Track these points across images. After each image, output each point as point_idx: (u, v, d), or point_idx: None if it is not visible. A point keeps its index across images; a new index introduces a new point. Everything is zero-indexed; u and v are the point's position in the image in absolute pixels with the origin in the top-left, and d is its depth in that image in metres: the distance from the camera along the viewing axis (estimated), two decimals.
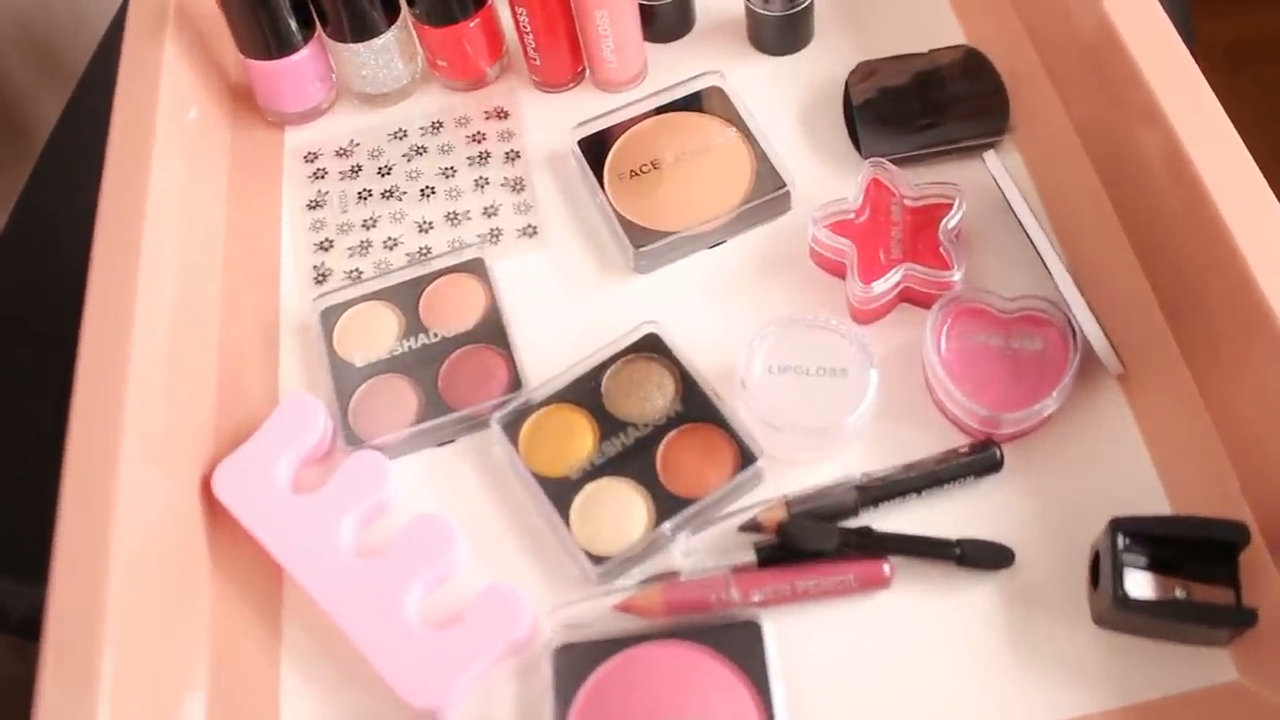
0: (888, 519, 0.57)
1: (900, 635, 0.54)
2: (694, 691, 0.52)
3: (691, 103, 0.70)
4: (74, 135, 0.94)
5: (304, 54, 0.71)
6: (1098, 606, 0.53)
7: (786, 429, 0.57)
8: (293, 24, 0.69)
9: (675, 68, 0.73)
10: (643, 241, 0.64)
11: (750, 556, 0.56)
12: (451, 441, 0.62)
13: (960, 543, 0.55)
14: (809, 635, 0.55)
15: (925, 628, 0.54)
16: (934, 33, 0.72)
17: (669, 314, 0.64)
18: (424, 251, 0.68)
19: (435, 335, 0.64)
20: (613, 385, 0.61)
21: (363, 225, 0.69)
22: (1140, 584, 0.52)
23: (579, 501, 0.58)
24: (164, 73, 0.68)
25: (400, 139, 0.73)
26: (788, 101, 0.71)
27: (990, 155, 0.63)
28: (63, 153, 0.93)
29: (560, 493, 0.58)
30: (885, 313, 0.62)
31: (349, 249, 0.69)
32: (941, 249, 0.61)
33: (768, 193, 0.65)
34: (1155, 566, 0.52)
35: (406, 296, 0.65)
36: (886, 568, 0.55)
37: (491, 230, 0.68)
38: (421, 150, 0.72)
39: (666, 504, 0.57)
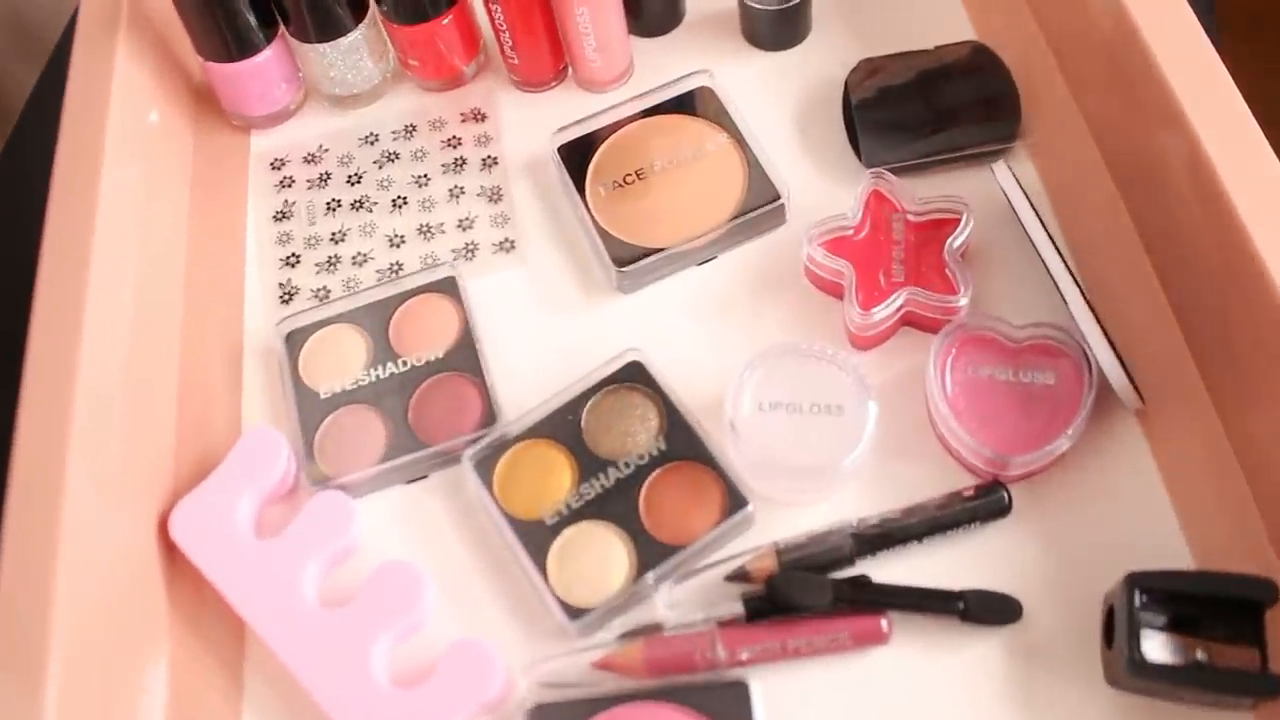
0: (886, 567, 0.53)
1: (899, 696, 0.51)
2: None
3: (680, 104, 0.65)
4: (49, 107, 0.89)
5: (267, 55, 0.66)
6: (1112, 667, 0.49)
7: (778, 471, 0.53)
8: (253, 23, 0.65)
9: (663, 65, 0.69)
10: (626, 260, 0.60)
11: (738, 607, 0.52)
12: (423, 477, 0.58)
13: (964, 595, 0.51)
14: (800, 696, 0.51)
15: (926, 687, 0.51)
16: (940, 27, 0.67)
17: (654, 337, 0.60)
18: (395, 268, 0.64)
19: (405, 364, 0.60)
20: (593, 419, 0.57)
21: (331, 239, 0.65)
22: (1158, 646, 0.48)
23: (556, 547, 0.54)
24: (118, 73, 0.63)
25: (371, 144, 0.68)
26: (783, 101, 0.67)
27: (1000, 167, 0.58)
28: (36, 127, 0.89)
29: (536, 537, 0.55)
30: (886, 338, 0.58)
31: (316, 265, 0.65)
32: (947, 270, 0.57)
33: (761, 205, 0.61)
34: (1174, 625, 0.48)
35: (376, 319, 0.62)
36: (884, 623, 0.51)
37: (466, 245, 0.64)
38: (394, 156, 0.68)
39: (649, 551, 0.54)
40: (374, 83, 0.69)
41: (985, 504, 0.53)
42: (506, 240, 0.64)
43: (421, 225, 0.65)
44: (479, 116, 0.68)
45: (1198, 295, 0.55)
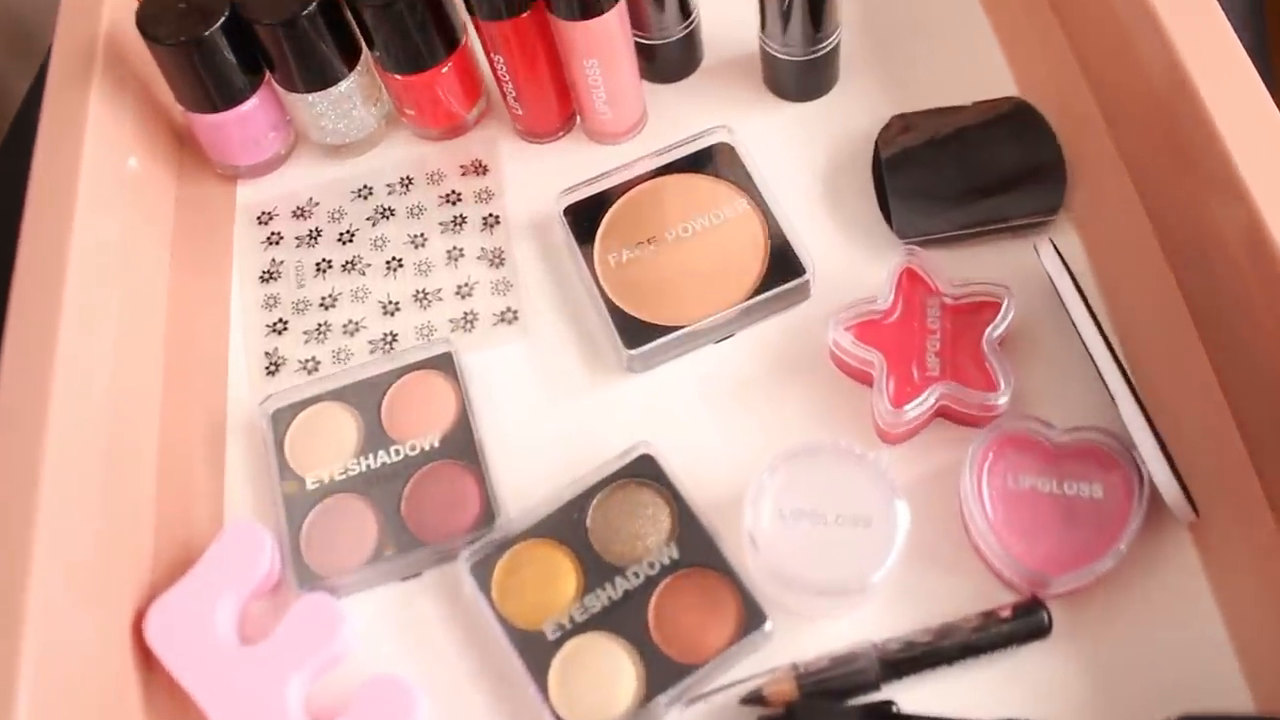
0: (915, 692, 0.49)
1: None
2: None
3: (697, 162, 0.61)
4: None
5: (253, 103, 0.62)
6: None
7: (799, 586, 0.49)
8: (237, 71, 0.60)
9: (680, 114, 0.64)
10: (638, 340, 0.56)
11: None
12: (417, 575, 0.55)
13: None
14: None
15: None
16: (979, 79, 0.63)
17: (665, 423, 0.56)
18: (389, 338, 0.60)
19: (398, 452, 0.56)
20: (600, 519, 0.53)
21: (321, 304, 0.61)
22: None
23: (559, 661, 0.51)
24: (92, 115, 0.60)
25: (365, 198, 0.64)
26: (808, 159, 0.62)
27: (1046, 249, 0.54)
28: (31, 131, 0.85)
29: (537, 650, 0.51)
30: (917, 432, 0.54)
31: (305, 333, 0.61)
32: (986, 362, 0.53)
33: (784, 281, 0.57)
34: None
35: (367, 397, 0.58)
36: None
37: (465, 314, 0.60)
38: (388, 213, 0.64)
39: (659, 668, 0.50)
40: (368, 131, 0.65)
41: (1023, 625, 0.49)
42: (508, 310, 0.60)
43: (418, 291, 0.61)
44: (480, 169, 0.64)
45: (1257, 391, 0.51)
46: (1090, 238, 0.58)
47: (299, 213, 0.64)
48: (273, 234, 0.64)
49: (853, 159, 0.62)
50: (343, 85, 0.61)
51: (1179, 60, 0.53)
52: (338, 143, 0.65)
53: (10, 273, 0.55)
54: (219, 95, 0.61)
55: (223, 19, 0.58)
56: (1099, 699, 0.49)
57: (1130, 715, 0.48)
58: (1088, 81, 0.62)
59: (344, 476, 0.56)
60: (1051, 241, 0.54)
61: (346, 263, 0.63)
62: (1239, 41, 0.52)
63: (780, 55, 0.61)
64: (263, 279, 0.63)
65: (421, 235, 0.63)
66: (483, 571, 0.53)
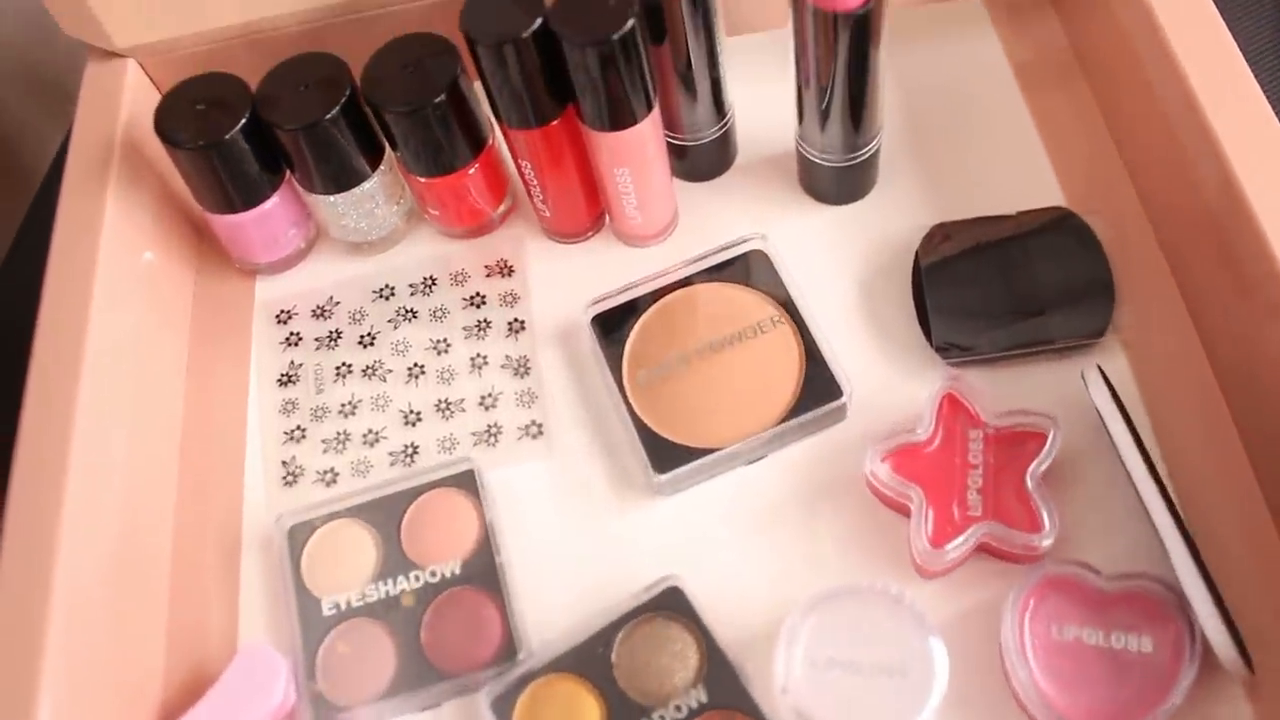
0: None
1: None
2: None
3: (730, 270, 0.59)
4: None
5: (273, 202, 0.61)
6: None
7: None
8: (257, 173, 0.59)
9: (712, 214, 0.63)
10: (668, 465, 0.55)
11: None
12: (436, 706, 0.54)
13: None
14: None
15: None
16: (1025, 188, 0.61)
17: (694, 550, 0.55)
18: (410, 450, 0.59)
19: (417, 578, 0.55)
20: (626, 654, 0.52)
21: (340, 411, 0.60)
22: None
23: None
24: (109, 211, 0.59)
25: (386, 299, 0.63)
26: (844, 268, 0.61)
27: (1094, 378, 0.52)
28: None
29: None
30: (955, 568, 0.53)
31: (324, 441, 0.60)
32: (1030, 500, 0.51)
33: (820, 403, 0.56)
34: None
35: (387, 516, 0.57)
36: None
37: (489, 427, 0.59)
38: (411, 315, 0.63)
39: None
40: (390, 228, 0.64)
41: None
42: (533, 424, 0.59)
43: (440, 401, 0.60)
44: (506, 270, 0.63)
45: None
46: (1139, 360, 0.56)
47: (319, 312, 0.64)
48: (292, 334, 0.63)
49: (892, 267, 0.60)
50: (365, 186, 0.60)
51: (1234, 178, 0.51)
52: (359, 240, 0.64)
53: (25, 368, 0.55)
54: (238, 197, 0.60)
55: (242, 122, 0.57)
56: None
57: None
58: (1138, 194, 0.60)
59: (361, 602, 0.55)
60: (1100, 370, 0.53)
61: (367, 368, 0.62)
62: None
63: (817, 160, 0.60)
64: (281, 382, 0.62)
65: (445, 340, 0.62)
66: (504, 707, 0.52)
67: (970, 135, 0.64)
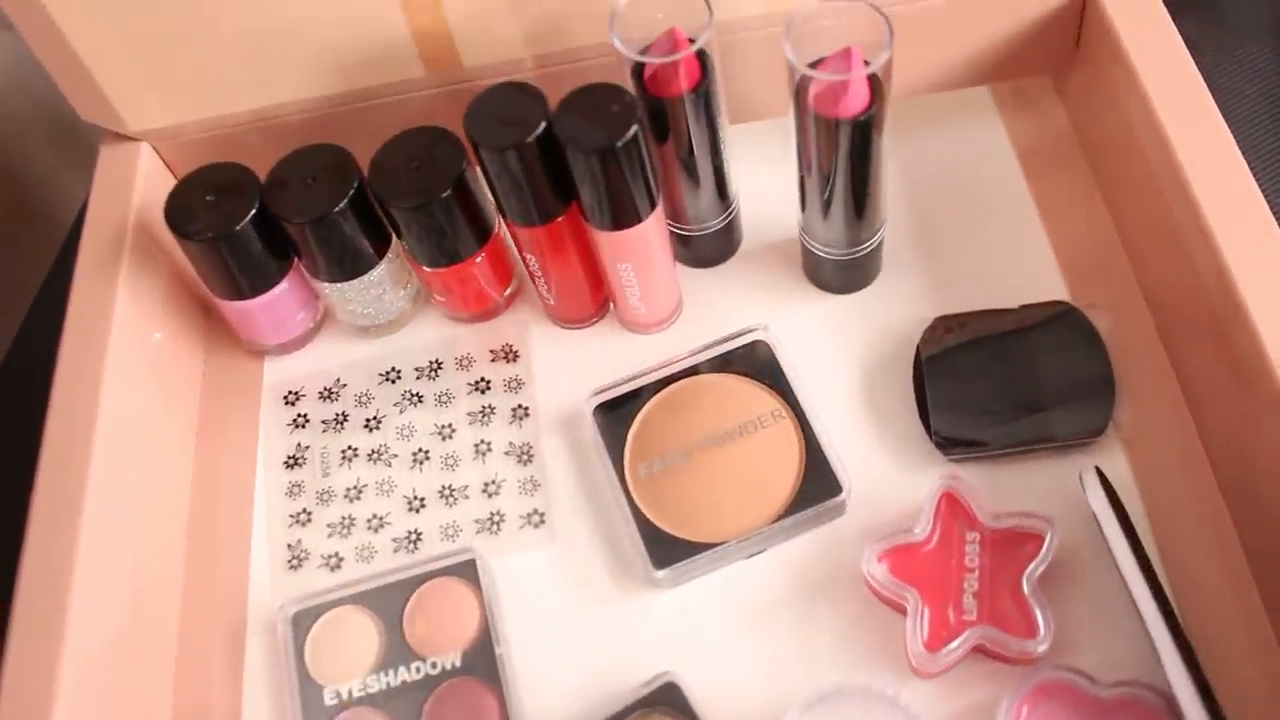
0: None
1: None
2: None
3: (732, 361, 0.61)
4: None
5: (282, 287, 0.63)
6: None
7: None
8: (265, 262, 0.61)
9: (716, 300, 0.65)
10: (667, 559, 0.56)
11: None
12: None
13: None
14: None
15: None
16: (1029, 281, 0.62)
17: (691, 642, 0.56)
18: (413, 537, 0.60)
19: (419, 669, 0.56)
20: None
21: (346, 496, 0.62)
22: None
23: None
24: (120, 296, 0.61)
25: (392, 382, 0.65)
26: (847, 356, 0.62)
27: (1091, 482, 0.53)
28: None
29: None
30: (951, 669, 0.54)
31: (329, 525, 0.61)
32: (1025, 604, 0.52)
33: (819, 499, 0.57)
34: None
35: (390, 604, 0.58)
36: None
37: (492, 514, 0.60)
38: (416, 399, 0.64)
39: None
40: (398, 312, 0.65)
41: None
42: (535, 512, 0.60)
43: (444, 487, 0.61)
44: (510, 355, 0.65)
45: None
46: (1138, 459, 0.57)
47: (326, 394, 0.65)
48: (299, 416, 0.65)
49: (893, 358, 0.61)
50: (372, 274, 0.62)
51: (1228, 272, 0.52)
52: (367, 324, 0.65)
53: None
54: (247, 284, 0.61)
55: (251, 213, 0.59)
56: None
57: None
58: (1141, 287, 0.61)
59: (363, 692, 0.56)
60: (1098, 472, 0.54)
61: (373, 452, 0.63)
62: None
63: (820, 253, 0.61)
64: (287, 464, 0.64)
65: (449, 426, 0.63)
66: None
67: (974, 224, 0.65)
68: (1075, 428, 0.57)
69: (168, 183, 0.67)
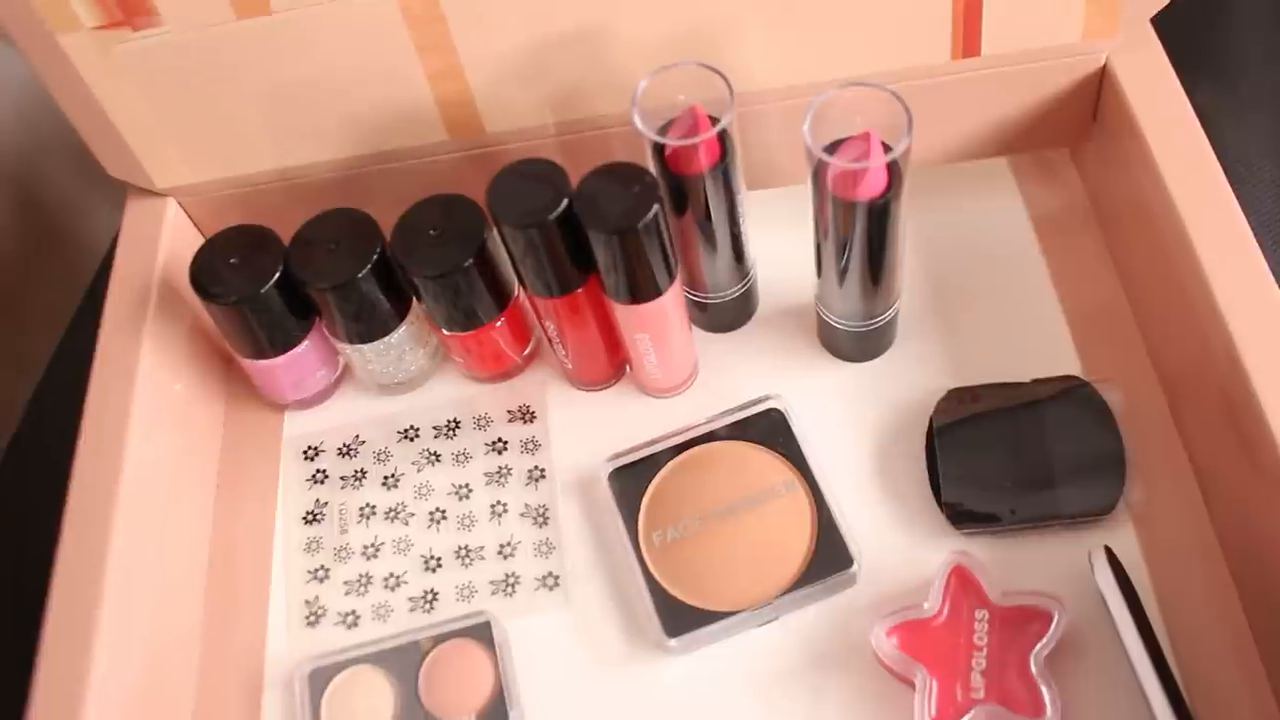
0: None
1: None
2: None
3: (746, 429, 0.62)
4: None
5: (303, 347, 0.64)
6: None
7: None
8: (288, 322, 0.63)
9: (731, 365, 0.66)
10: (680, 628, 0.58)
11: None
12: None
13: None
14: None
15: None
16: (1042, 355, 0.63)
17: (703, 709, 0.58)
18: (429, 597, 0.62)
19: None
20: None
21: (363, 553, 0.64)
22: None
23: None
24: (145, 343, 0.63)
25: (411, 440, 0.66)
26: (860, 425, 0.63)
27: (1100, 562, 0.54)
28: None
29: None
30: None
31: (346, 583, 0.63)
32: (1033, 682, 0.53)
33: (830, 571, 0.58)
34: None
35: (405, 664, 0.60)
36: None
37: (507, 576, 0.62)
38: (434, 458, 0.66)
39: None
40: (417, 370, 0.67)
41: None
42: (550, 575, 0.61)
43: (460, 548, 0.63)
44: (527, 416, 0.66)
45: None
46: (1148, 537, 0.58)
47: (345, 450, 0.67)
48: (318, 471, 0.66)
49: (906, 427, 0.63)
50: (392, 337, 0.63)
51: (1237, 353, 0.53)
52: (385, 382, 0.67)
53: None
54: (269, 344, 0.63)
55: (275, 278, 0.60)
56: None
57: None
58: (1153, 362, 0.62)
59: None
60: (1107, 551, 0.55)
61: (390, 510, 0.65)
62: None
63: (834, 323, 0.62)
64: (306, 520, 0.65)
65: (466, 486, 0.65)
66: None
67: (989, 294, 0.66)
68: (1085, 505, 0.58)
69: (192, 237, 0.69)
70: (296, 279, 0.61)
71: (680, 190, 0.57)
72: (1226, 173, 0.58)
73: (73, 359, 0.82)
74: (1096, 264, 0.66)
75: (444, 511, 0.64)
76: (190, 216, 0.69)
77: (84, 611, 0.55)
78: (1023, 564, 0.58)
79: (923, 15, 0.59)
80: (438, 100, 0.62)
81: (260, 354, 0.64)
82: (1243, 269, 0.55)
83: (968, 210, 0.69)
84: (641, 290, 0.57)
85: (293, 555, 0.64)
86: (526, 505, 0.64)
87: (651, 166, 0.57)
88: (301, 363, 0.65)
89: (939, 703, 0.54)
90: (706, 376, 0.66)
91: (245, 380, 0.69)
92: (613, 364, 0.65)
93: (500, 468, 0.65)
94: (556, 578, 0.62)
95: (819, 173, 0.54)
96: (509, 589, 0.62)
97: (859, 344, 0.64)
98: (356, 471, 0.66)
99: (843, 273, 0.58)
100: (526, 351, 0.67)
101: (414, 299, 0.64)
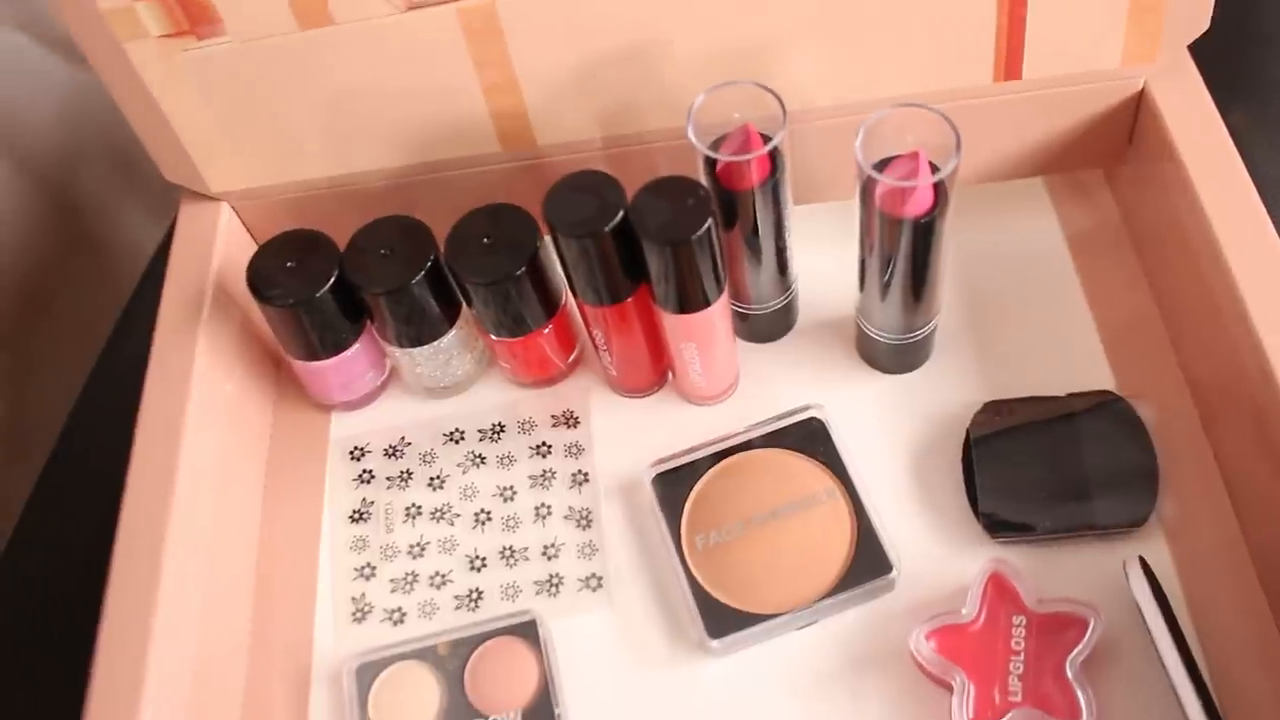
0: None
1: None
2: None
3: (787, 437, 0.64)
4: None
5: (354, 350, 0.67)
6: None
7: None
8: (341, 325, 0.65)
9: (771, 375, 0.68)
10: (722, 630, 0.60)
11: None
12: None
13: None
14: None
15: None
16: (1077, 369, 0.66)
17: (743, 710, 0.60)
18: (474, 595, 0.64)
19: None
20: None
21: (409, 552, 0.66)
22: None
23: None
24: (200, 343, 0.65)
25: (456, 443, 0.69)
26: (898, 436, 0.66)
27: (1135, 572, 0.56)
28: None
29: None
30: None
31: (392, 581, 0.65)
32: (1069, 686, 0.55)
33: (870, 577, 0.60)
34: None
35: (451, 660, 0.62)
36: None
37: (551, 577, 0.64)
38: (479, 460, 0.68)
39: None
40: (464, 375, 0.69)
41: None
42: (593, 576, 0.64)
43: (504, 548, 0.65)
44: (571, 421, 0.68)
45: None
46: (1180, 549, 0.60)
47: (391, 451, 0.69)
48: (364, 471, 0.69)
49: (943, 439, 0.65)
50: (442, 341, 0.66)
51: (1273, 373, 0.55)
52: (432, 385, 0.69)
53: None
54: (321, 347, 0.65)
55: (330, 282, 0.63)
56: None
57: None
58: (1186, 378, 0.64)
59: None
60: (1141, 561, 0.57)
61: (435, 510, 0.67)
62: None
63: (875, 336, 0.64)
64: (352, 518, 0.67)
65: (511, 488, 0.67)
66: None
67: (1024, 310, 0.68)
68: (1119, 516, 0.60)
69: (244, 241, 0.71)
70: (351, 283, 0.63)
71: (730, 204, 0.60)
72: (1260, 192, 0.60)
73: (116, 363, 0.85)
74: (1130, 282, 0.69)
75: (489, 513, 0.66)
76: (243, 221, 0.71)
77: (140, 607, 0.57)
78: (1057, 573, 0.60)
79: (968, 38, 0.62)
80: (492, 113, 0.65)
81: (312, 355, 0.66)
82: (1276, 287, 0.57)
83: (1004, 229, 0.72)
84: (691, 301, 0.59)
85: (339, 553, 0.67)
86: (570, 508, 0.66)
87: (703, 180, 0.59)
88: (350, 365, 0.67)
89: (976, 705, 0.56)
90: (746, 386, 0.68)
91: (294, 382, 0.71)
92: (656, 372, 0.67)
93: (544, 471, 0.67)
94: (600, 579, 0.64)
95: (868, 189, 0.57)
96: (553, 589, 0.64)
97: (898, 357, 0.66)
98: (402, 472, 0.68)
99: (885, 287, 0.61)
100: (571, 359, 0.69)
101: (463, 305, 0.66)
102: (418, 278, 0.62)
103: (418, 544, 0.66)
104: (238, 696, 0.63)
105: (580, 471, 0.67)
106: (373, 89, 0.64)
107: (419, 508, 0.67)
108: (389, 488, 0.68)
